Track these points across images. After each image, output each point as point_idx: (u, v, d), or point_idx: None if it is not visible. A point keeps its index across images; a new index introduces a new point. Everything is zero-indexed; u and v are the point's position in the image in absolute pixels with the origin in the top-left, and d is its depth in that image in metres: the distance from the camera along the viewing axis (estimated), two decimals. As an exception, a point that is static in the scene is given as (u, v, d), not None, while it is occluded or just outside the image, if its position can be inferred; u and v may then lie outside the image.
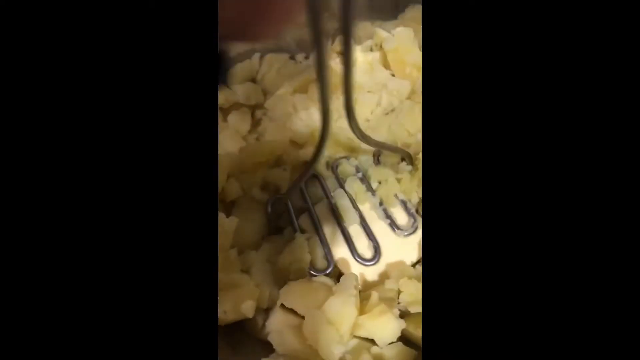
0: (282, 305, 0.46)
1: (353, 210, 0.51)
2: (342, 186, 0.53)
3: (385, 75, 0.58)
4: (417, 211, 0.51)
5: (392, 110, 0.54)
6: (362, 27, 0.61)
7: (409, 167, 0.51)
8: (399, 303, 0.44)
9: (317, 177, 0.54)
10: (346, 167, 0.54)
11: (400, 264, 0.49)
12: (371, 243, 0.50)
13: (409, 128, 0.52)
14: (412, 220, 0.50)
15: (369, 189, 0.52)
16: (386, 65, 0.59)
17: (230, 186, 0.53)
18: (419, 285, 0.43)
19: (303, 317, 0.44)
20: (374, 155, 0.54)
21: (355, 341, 0.42)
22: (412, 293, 0.43)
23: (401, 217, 0.51)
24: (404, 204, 0.51)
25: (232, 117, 0.60)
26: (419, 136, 0.52)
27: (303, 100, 0.58)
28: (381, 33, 0.59)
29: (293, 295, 0.46)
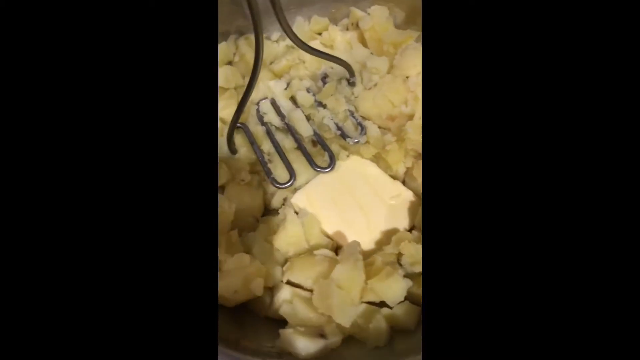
0: (288, 282, 0.46)
1: (307, 124, 0.55)
2: (296, 104, 0.58)
3: (364, 53, 0.59)
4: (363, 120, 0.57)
5: (375, 85, 0.56)
6: (337, 7, 0.62)
7: (353, 79, 0.57)
8: (400, 265, 0.46)
9: (272, 102, 0.58)
10: (297, 87, 0.58)
11: (394, 230, 0.51)
12: (326, 153, 0.54)
13: (392, 100, 0.54)
14: (360, 128, 0.55)
15: (320, 104, 0.57)
16: (364, 43, 0.60)
17: (220, 171, 0.53)
18: (418, 247, 0.45)
19: (309, 290, 0.46)
20: (320, 78, 0.59)
21: (364, 306, 0.43)
22: (412, 254, 0.45)
23: (350, 127, 0.56)
24: (351, 114, 0.56)
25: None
26: (403, 107, 0.54)
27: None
28: (357, 12, 0.60)
29: (297, 270, 0.47)
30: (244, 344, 0.39)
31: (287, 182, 0.53)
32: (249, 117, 0.57)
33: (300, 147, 0.55)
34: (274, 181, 0.53)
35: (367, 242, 0.51)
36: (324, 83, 0.58)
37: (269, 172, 0.54)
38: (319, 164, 0.54)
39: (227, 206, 0.47)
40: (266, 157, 0.55)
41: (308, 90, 0.58)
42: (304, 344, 0.38)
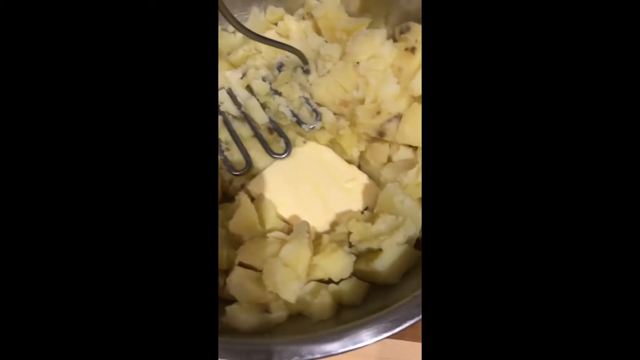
0: (240, 264, 0.47)
1: (262, 112, 0.57)
2: (252, 93, 0.59)
3: (319, 42, 0.60)
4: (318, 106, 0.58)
5: (328, 72, 0.57)
6: (291, -2, 0.63)
7: (307, 67, 0.58)
8: (350, 245, 0.47)
9: (228, 91, 0.59)
10: (253, 76, 0.59)
11: (349, 212, 0.52)
12: (282, 139, 0.55)
13: (345, 86, 0.55)
14: (315, 114, 0.56)
15: (275, 92, 0.58)
16: (319, 32, 0.62)
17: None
18: (367, 225, 0.46)
19: (260, 271, 0.46)
20: (277, 67, 0.60)
21: (312, 284, 0.44)
22: (360, 232, 0.46)
23: (306, 114, 0.57)
24: (306, 100, 0.57)
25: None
26: (355, 93, 0.55)
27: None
28: (311, 2, 0.61)
29: (250, 252, 0.48)
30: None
31: (243, 169, 0.54)
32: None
33: (257, 134, 0.56)
34: (231, 168, 0.54)
35: (322, 225, 0.52)
36: (280, 72, 0.60)
37: (225, 160, 0.55)
38: (276, 150, 0.55)
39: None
40: (224, 146, 0.56)
41: (264, 79, 0.59)
42: (245, 318, 0.39)
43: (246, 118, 0.57)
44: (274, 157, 0.55)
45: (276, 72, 0.60)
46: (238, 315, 0.39)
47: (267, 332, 0.39)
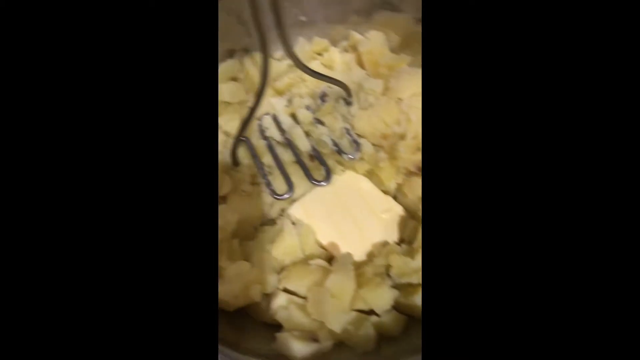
0: (285, 289, 0.50)
1: (306, 140, 0.59)
2: (296, 121, 0.61)
3: (361, 75, 0.63)
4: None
5: (370, 106, 0.60)
6: (336, 30, 0.66)
7: (350, 99, 0.61)
8: (389, 276, 0.49)
9: (273, 117, 0.62)
10: (297, 104, 0.62)
11: (385, 242, 0.54)
12: (323, 167, 0.58)
13: (386, 121, 0.58)
14: (355, 145, 0.59)
15: (318, 122, 0.61)
16: (361, 64, 0.64)
17: (223, 182, 0.56)
18: (407, 260, 0.48)
19: (303, 297, 0.49)
20: (320, 97, 0.63)
21: (355, 314, 0.47)
22: (400, 267, 0.48)
23: (346, 144, 0.60)
24: (347, 131, 0.60)
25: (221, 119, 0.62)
26: (395, 127, 0.58)
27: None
28: (356, 36, 0.64)
29: (293, 279, 0.50)
30: (243, 346, 0.42)
31: (285, 194, 0.56)
32: (252, 131, 0.61)
33: (299, 161, 0.59)
34: (273, 192, 0.57)
35: (359, 254, 0.54)
36: (323, 101, 0.62)
37: (268, 184, 0.57)
38: (316, 177, 0.58)
39: (229, 216, 0.50)
40: (266, 170, 0.59)
41: (307, 108, 0.62)
42: (299, 347, 0.41)
43: (289, 144, 0.60)
44: (313, 184, 0.58)
45: (319, 101, 0.63)
46: (291, 343, 0.42)
47: (317, 360, 0.42)
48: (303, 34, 0.65)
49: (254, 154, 0.59)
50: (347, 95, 0.61)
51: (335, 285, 0.45)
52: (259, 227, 0.57)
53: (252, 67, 0.63)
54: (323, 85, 0.63)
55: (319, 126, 0.60)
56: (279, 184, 0.58)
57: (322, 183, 0.57)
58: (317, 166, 0.59)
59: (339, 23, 0.65)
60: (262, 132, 0.61)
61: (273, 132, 0.61)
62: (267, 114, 0.62)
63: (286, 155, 0.59)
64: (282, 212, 0.58)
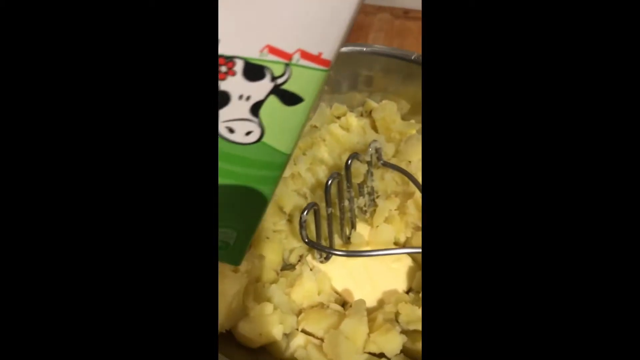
0: (303, 330, 0.55)
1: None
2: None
3: (374, 137, 0.71)
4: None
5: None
6: (353, 97, 0.75)
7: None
8: (398, 322, 0.54)
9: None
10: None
11: (394, 291, 0.60)
12: (351, 223, 0.62)
13: (397, 180, 0.65)
14: (372, 202, 0.64)
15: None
16: (375, 129, 0.73)
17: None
18: (414, 308, 0.54)
19: (319, 338, 0.54)
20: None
21: (366, 356, 0.52)
22: (408, 314, 0.54)
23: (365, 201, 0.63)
24: (372, 190, 0.64)
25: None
26: (404, 187, 0.65)
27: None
28: (371, 103, 0.73)
29: (311, 321, 0.55)
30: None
31: (314, 242, 0.58)
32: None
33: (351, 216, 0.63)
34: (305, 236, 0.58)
35: (370, 300, 0.60)
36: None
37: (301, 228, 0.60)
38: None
39: (257, 261, 0.57)
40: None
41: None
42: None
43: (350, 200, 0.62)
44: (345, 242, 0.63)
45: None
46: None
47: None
48: (324, 100, 0.74)
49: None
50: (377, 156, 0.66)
51: (350, 328, 0.50)
52: (279, 271, 0.63)
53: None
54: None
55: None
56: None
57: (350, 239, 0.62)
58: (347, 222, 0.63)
59: (354, 90, 0.74)
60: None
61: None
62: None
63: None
64: (301, 258, 0.64)
